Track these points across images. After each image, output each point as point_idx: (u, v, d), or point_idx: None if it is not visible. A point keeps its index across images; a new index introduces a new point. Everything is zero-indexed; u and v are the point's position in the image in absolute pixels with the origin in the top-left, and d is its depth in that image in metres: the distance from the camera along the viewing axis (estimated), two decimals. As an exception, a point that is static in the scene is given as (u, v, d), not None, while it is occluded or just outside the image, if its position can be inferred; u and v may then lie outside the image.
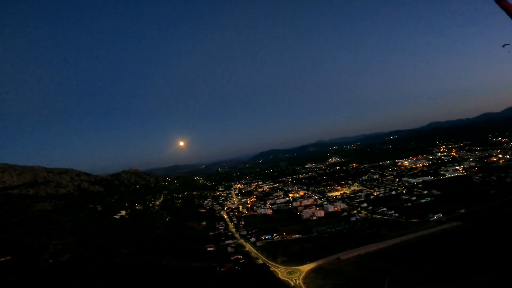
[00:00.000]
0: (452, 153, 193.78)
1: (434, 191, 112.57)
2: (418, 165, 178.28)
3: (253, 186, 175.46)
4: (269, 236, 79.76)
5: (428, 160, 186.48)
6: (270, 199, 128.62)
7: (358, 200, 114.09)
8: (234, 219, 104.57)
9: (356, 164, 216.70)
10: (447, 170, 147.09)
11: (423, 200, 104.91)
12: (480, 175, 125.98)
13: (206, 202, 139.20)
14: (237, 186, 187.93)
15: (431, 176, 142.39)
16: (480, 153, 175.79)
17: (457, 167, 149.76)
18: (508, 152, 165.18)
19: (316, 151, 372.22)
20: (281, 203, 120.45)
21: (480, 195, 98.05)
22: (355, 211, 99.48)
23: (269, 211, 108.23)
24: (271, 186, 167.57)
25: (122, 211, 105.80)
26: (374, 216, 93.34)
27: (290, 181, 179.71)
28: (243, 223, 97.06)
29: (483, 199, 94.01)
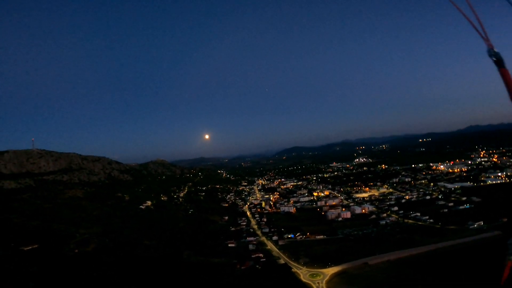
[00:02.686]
0: (494, 159, 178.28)
1: (474, 198, 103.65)
2: (456, 170, 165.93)
3: (276, 182, 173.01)
4: (292, 235, 77.19)
5: (467, 165, 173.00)
6: (293, 197, 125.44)
7: (388, 203, 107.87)
8: (256, 215, 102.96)
9: (385, 165, 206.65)
10: (488, 177, 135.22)
11: (461, 207, 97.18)
12: None
13: (228, 196, 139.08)
14: (260, 181, 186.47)
15: (470, 182, 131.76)
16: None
17: (499, 174, 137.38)
18: None
19: (342, 150, 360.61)
20: (305, 201, 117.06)
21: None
22: (385, 215, 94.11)
23: (293, 209, 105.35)
24: (294, 183, 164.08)
25: (147, 202, 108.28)
26: (405, 220, 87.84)
27: (314, 179, 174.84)
28: (265, 220, 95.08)
29: None
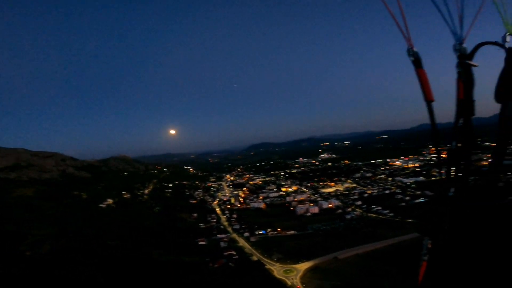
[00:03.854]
0: (443, 155, 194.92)
1: (427, 192, 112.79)
2: (410, 165, 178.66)
3: (245, 178, 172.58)
4: (263, 232, 77.55)
5: (419, 161, 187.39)
6: (262, 192, 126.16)
7: (352, 197, 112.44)
8: (226, 211, 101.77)
9: (348, 161, 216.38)
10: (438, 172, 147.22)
11: (417, 201, 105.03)
12: (472, 177, 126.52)
13: (197, 193, 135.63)
14: (229, 177, 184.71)
15: (423, 177, 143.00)
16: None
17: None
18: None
19: (308, 146, 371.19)
20: (274, 197, 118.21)
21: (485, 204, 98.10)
22: (350, 209, 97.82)
23: (262, 205, 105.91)
24: (263, 179, 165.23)
25: (109, 200, 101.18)
26: (369, 214, 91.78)
27: (282, 175, 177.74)
28: (235, 216, 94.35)
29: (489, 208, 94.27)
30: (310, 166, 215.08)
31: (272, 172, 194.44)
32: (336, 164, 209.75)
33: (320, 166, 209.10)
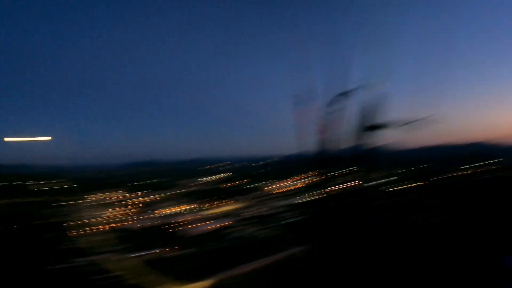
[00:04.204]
0: (316, 179, 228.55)
1: (304, 212, 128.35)
2: (291, 187, 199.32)
3: (129, 196, 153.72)
4: (151, 251, 69.35)
5: (300, 182, 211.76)
6: (150, 211, 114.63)
7: (242, 217, 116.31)
8: (104, 230, 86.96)
9: (241, 181, 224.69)
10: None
11: (293, 220, 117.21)
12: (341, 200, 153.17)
13: (63, 209, 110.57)
14: (104, 195, 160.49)
15: (299, 199, 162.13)
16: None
17: (313, 192, 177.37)
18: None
19: (203, 166, 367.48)
20: (163, 215, 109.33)
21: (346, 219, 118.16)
22: (240, 228, 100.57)
23: (148, 224, 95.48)
24: (149, 198, 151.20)
25: None
26: (258, 232, 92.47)
27: (170, 194, 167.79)
28: (115, 235, 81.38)
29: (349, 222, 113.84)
30: (202, 186, 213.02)
31: (159, 191, 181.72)
32: (229, 184, 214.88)
33: (215, 186, 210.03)
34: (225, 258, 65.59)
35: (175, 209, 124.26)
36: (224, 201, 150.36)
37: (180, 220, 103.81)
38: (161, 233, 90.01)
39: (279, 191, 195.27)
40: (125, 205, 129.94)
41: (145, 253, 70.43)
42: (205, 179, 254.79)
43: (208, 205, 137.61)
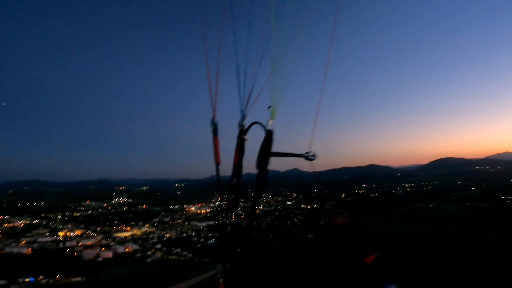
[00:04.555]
0: (224, 203, 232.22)
1: (216, 234, 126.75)
2: (203, 211, 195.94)
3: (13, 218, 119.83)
4: (32, 279, 53.87)
5: (210, 207, 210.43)
6: (27, 236, 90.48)
7: (151, 241, 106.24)
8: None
9: (146, 206, 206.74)
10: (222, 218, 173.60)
11: (209, 242, 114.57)
12: (245, 221, 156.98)
13: None
14: None
15: (212, 221, 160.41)
16: (243, 204, 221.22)
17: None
18: (262, 204, 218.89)
19: (99, 189, 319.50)
20: (45, 241, 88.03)
21: (250, 238, 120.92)
22: (150, 252, 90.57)
23: (27, 251, 74.75)
24: (27, 222, 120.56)
25: None
26: (170, 257, 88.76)
27: (59, 218, 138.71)
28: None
29: (252, 240, 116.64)
30: (101, 210, 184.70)
31: (43, 215, 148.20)
32: (132, 209, 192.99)
33: (113, 210, 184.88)
34: (139, 283, 57.82)
35: (71, 234, 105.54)
36: (131, 224, 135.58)
37: (79, 245, 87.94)
38: (57, 258, 75.11)
39: (192, 213, 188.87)
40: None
41: (36, 279, 57.42)
42: (114, 201, 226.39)
43: (112, 229, 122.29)
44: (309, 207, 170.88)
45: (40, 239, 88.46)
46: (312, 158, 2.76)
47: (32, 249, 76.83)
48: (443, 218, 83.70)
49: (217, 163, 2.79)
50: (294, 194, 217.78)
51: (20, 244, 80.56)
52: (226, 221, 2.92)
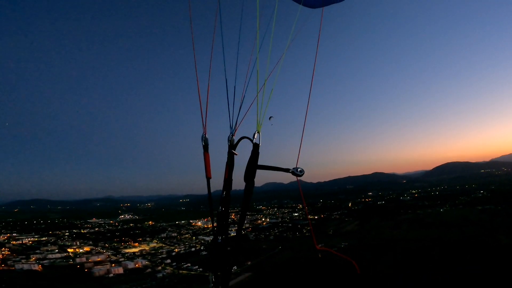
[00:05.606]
0: (232, 217, 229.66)
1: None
2: (210, 225, 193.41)
3: (3, 237, 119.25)
4: None
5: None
6: (36, 253, 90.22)
7: (160, 256, 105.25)
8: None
9: (152, 222, 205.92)
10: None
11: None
12: (253, 233, 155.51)
13: None
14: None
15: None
16: (250, 217, 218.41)
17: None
18: (268, 217, 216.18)
19: (104, 207, 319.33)
20: (55, 258, 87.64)
21: (256, 250, 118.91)
22: (160, 268, 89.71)
23: (38, 267, 74.27)
24: (35, 239, 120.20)
25: None
26: (180, 271, 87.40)
27: (67, 235, 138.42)
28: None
29: (259, 252, 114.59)
30: (108, 227, 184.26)
31: (50, 232, 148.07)
32: (139, 225, 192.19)
33: (119, 227, 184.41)
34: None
35: (80, 250, 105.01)
36: (138, 240, 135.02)
37: (89, 261, 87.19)
38: (68, 274, 74.55)
39: (199, 228, 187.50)
40: (6, 246, 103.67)
41: None
42: (122, 216, 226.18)
43: (121, 245, 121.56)
44: (316, 217, 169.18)
45: (50, 256, 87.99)
46: (300, 174, 2.83)
47: (42, 265, 76.35)
48: (455, 222, 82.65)
49: (208, 177, 2.95)
50: (300, 206, 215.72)
51: (30, 260, 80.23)
52: (217, 232, 3.01)
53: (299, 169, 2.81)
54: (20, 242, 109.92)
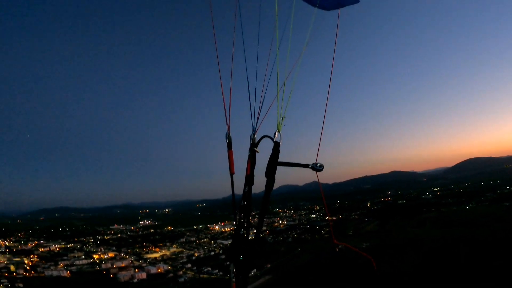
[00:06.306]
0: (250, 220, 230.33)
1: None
2: (227, 229, 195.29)
3: (31, 244, 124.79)
4: None
5: (233, 225, 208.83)
6: (64, 260, 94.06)
7: (181, 261, 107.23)
8: (3, 280, 65.88)
9: (171, 227, 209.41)
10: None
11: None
12: (271, 236, 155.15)
13: None
14: (2, 243, 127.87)
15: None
16: (267, 220, 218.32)
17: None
18: (285, 219, 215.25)
19: (124, 213, 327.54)
20: (82, 264, 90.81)
21: (275, 252, 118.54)
22: (181, 272, 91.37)
23: (66, 273, 77.38)
24: (62, 246, 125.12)
25: None
26: (201, 276, 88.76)
27: (92, 242, 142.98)
28: (21, 285, 62.33)
29: (278, 254, 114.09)
30: (129, 233, 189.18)
31: (76, 239, 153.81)
32: (158, 230, 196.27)
33: (141, 233, 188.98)
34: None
35: (105, 256, 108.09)
36: (159, 245, 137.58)
37: (113, 266, 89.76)
38: (95, 280, 76.93)
39: (217, 232, 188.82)
40: (34, 253, 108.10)
41: None
42: (142, 222, 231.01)
43: (142, 251, 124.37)
44: (334, 218, 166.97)
45: (77, 262, 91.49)
46: (320, 168, 2.93)
47: (70, 272, 79.42)
48: (483, 219, 79.44)
49: (232, 173, 3.13)
50: (317, 207, 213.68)
51: (59, 267, 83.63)
52: (239, 224, 3.15)
53: (318, 164, 2.92)
54: (48, 249, 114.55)
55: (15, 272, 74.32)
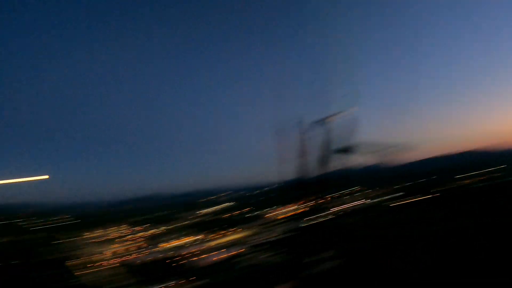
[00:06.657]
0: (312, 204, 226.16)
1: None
2: (294, 212, 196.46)
3: (128, 231, 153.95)
4: (160, 285, 68.80)
5: (296, 209, 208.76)
6: (159, 243, 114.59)
7: (251, 244, 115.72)
8: (109, 266, 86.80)
9: (243, 210, 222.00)
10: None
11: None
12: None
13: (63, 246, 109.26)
14: (105, 231, 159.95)
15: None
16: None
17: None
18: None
19: (201, 197, 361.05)
20: (172, 247, 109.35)
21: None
22: (251, 256, 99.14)
23: (160, 256, 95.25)
24: (158, 230, 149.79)
25: None
26: (267, 259, 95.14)
27: (179, 225, 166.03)
28: (122, 270, 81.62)
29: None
30: (208, 217, 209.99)
31: (163, 224, 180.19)
32: (233, 213, 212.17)
33: (217, 216, 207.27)
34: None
35: (180, 242, 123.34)
36: (228, 230, 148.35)
37: (186, 252, 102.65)
38: (169, 266, 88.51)
39: (283, 216, 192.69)
40: (127, 240, 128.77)
41: (157, 287, 69.24)
42: (207, 210, 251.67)
43: (213, 236, 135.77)
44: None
45: (169, 245, 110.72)
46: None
47: (163, 255, 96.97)
48: None
49: (290, 162, 4.17)
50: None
51: (155, 249, 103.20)
52: (305, 212, 3.94)
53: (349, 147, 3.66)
54: (147, 234, 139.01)
55: (123, 255, 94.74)
